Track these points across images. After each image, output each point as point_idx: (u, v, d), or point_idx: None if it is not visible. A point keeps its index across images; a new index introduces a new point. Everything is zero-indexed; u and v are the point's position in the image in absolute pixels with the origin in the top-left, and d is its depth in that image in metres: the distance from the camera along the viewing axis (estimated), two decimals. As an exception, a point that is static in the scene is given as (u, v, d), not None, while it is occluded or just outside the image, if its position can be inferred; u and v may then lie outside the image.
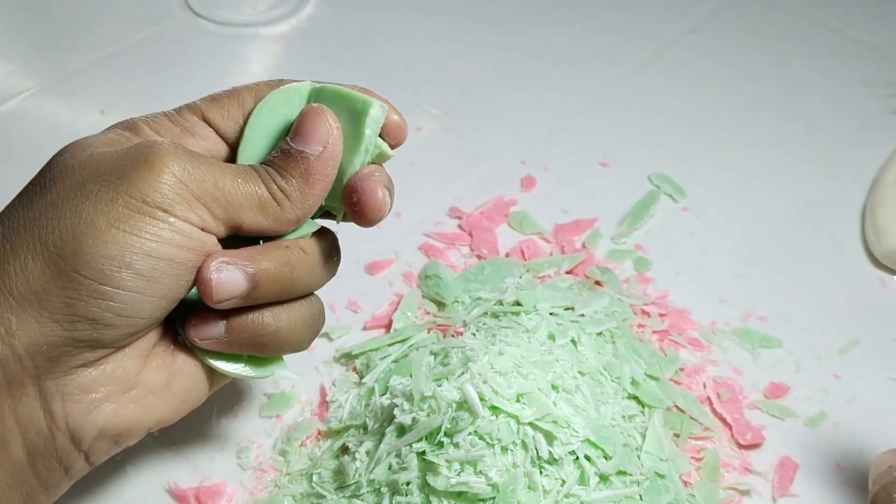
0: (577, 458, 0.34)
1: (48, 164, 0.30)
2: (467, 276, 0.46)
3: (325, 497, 0.36)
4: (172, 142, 0.29)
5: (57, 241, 0.27)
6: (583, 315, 0.41)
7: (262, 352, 0.32)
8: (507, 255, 0.48)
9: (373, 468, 0.35)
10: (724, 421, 0.40)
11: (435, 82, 0.59)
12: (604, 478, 0.34)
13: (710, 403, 0.41)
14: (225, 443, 0.39)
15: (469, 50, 0.62)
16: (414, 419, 0.34)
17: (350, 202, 0.32)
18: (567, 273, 0.46)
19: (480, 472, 0.32)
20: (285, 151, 0.31)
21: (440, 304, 0.45)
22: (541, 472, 0.33)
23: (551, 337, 0.38)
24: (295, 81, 0.33)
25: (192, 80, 0.59)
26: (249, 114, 0.33)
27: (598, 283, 0.45)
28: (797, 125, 0.57)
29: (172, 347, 0.31)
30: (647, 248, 0.48)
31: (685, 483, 0.37)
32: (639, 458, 0.36)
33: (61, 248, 0.27)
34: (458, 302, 0.44)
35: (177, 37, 0.62)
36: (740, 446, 0.39)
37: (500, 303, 0.42)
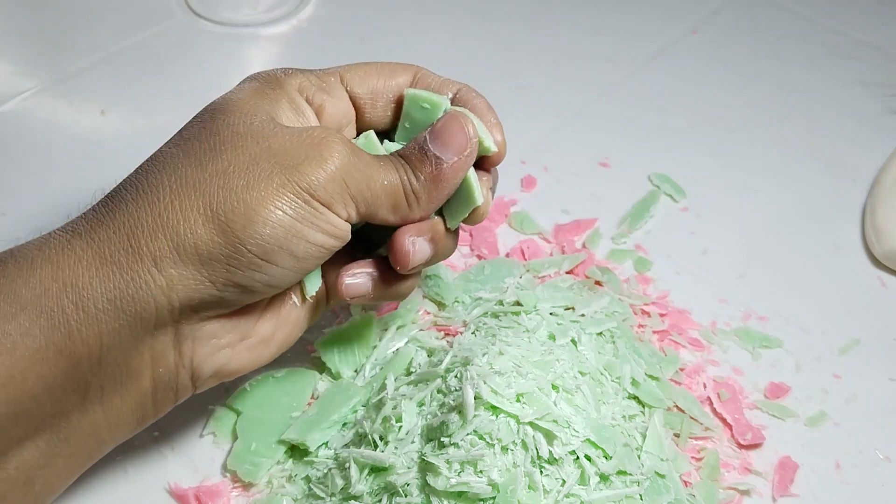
0: (578, 457, 0.34)
1: (210, 118, 0.32)
2: (467, 276, 0.46)
3: (323, 499, 0.36)
4: (340, 136, 0.32)
5: (229, 212, 0.29)
6: (583, 315, 0.41)
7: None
8: (507, 255, 0.48)
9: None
10: (724, 421, 0.40)
11: (435, 82, 0.59)
12: (604, 478, 0.34)
13: (710, 403, 0.41)
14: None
15: (469, 49, 0.62)
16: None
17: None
18: (567, 273, 0.46)
19: (481, 471, 0.32)
20: (422, 150, 0.33)
21: (440, 305, 0.45)
22: (541, 472, 0.33)
23: (551, 337, 0.38)
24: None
25: (192, 80, 0.59)
26: (394, 93, 0.37)
27: (598, 283, 0.45)
28: (797, 125, 0.57)
29: (281, 302, 0.35)
30: (647, 248, 0.48)
31: (685, 483, 0.37)
32: (639, 458, 0.36)
33: (232, 221, 0.29)
34: (458, 302, 0.44)
35: (177, 37, 0.62)
36: (740, 446, 0.39)
37: (500, 303, 0.42)
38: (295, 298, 0.35)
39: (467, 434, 0.33)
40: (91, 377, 0.29)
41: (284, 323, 0.35)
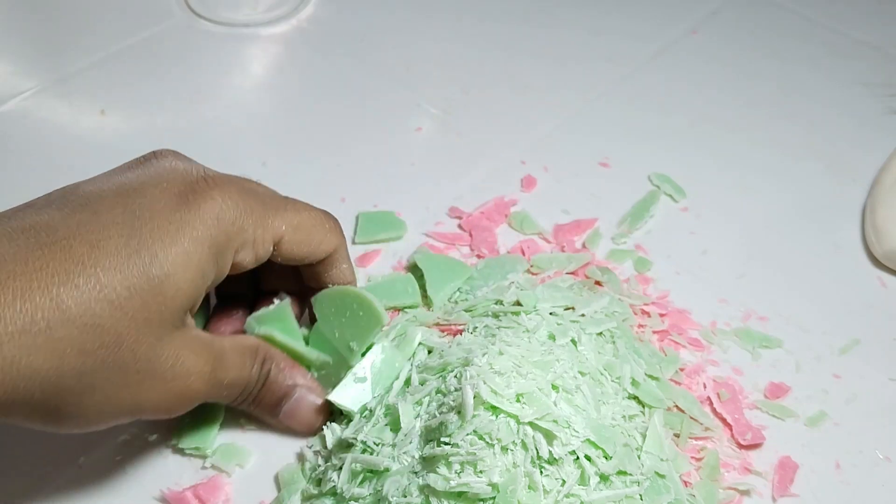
0: (578, 457, 0.33)
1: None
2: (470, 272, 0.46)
3: (319, 497, 0.36)
4: (207, 378, 0.33)
5: (62, 411, 0.30)
6: (583, 315, 0.41)
7: None
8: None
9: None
10: (724, 421, 0.40)
11: (435, 82, 0.59)
12: (604, 478, 0.34)
13: (710, 403, 0.41)
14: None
15: (469, 50, 0.62)
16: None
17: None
18: (567, 273, 0.46)
19: (481, 472, 0.32)
20: (273, 411, 0.37)
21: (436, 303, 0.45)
22: (541, 472, 0.33)
23: (551, 337, 0.38)
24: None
25: (192, 80, 0.59)
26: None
27: (598, 283, 0.45)
28: (797, 125, 0.57)
29: None
30: (647, 248, 0.48)
31: (685, 483, 0.37)
32: (639, 458, 0.36)
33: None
34: (461, 300, 0.44)
35: (177, 37, 0.62)
36: (740, 446, 0.39)
37: (500, 302, 0.42)
38: None
39: (467, 434, 0.33)
40: None
41: None
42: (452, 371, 0.36)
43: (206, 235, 0.32)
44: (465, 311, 0.43)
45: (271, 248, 0.35)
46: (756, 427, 0.40)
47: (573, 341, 0.38)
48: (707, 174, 0.53)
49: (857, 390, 0.42)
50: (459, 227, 0.49)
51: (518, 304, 0.41)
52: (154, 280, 0.30)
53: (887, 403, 0.41)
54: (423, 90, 0.58)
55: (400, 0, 0.66)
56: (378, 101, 0.57)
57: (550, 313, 0.41)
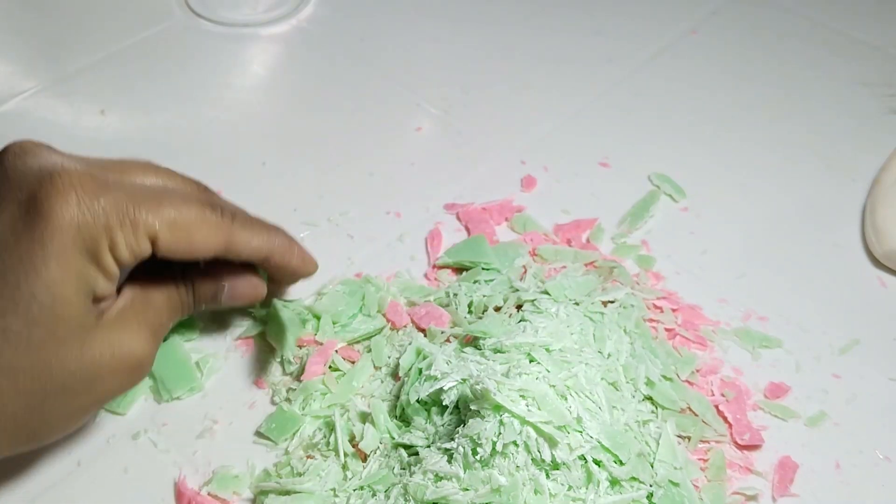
0: (586, 461, 0.33)
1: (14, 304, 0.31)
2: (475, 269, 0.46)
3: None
4: (138, 351, 0.34)
5: (32, 430, 0.32)
6: (604, 302, 0.41)
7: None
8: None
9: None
10: (725, 420, 0.40)
11: (435, 82, 0.59)
12: (614, 482, 0.34)
13: (716, 404, 0.41)
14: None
15: (469, 50, 0.62)
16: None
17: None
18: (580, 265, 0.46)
19: (486, 474, 0.32)
20: (214, 297, 0.37)
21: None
22: (547, 476, 0.33)
23: (572, 330, 0.38)
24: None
25: (192, 80, 0.59)
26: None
27: (611, 270, 0.45)
28: (797, 125, 0.57)
29: None
30: (647, 248, 0.48)
31: (694, 486, 0.37)
32: (652, 466, 0.35)
33: (36, 433, 0.33)
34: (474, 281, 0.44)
35: (177, 37, 0.62)
36: (739, 447, 0.39)
37: (512, 291, 0.42)
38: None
39: (469, 435, 0.33)
40: None
41: None
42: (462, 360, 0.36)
43: (69, 244, 0.30)
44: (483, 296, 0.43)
45: (149, 246, 0.32)
46: (755, 428, 0.40)
47: (603, 338, 0.39)
48: (707, 174, 0.53)
49: (857, 390, 0.42)
50: (457, 216, 0.49)
51: (546, 293, 0.41)
52: (44, 307, 0.30)
53: (887, 403, 0.41)
54: (423, 90, 0.58)
55: (400, 0, 0.66)
56: (378, 101, 0.57)
57: (575, 303, 0.41)
